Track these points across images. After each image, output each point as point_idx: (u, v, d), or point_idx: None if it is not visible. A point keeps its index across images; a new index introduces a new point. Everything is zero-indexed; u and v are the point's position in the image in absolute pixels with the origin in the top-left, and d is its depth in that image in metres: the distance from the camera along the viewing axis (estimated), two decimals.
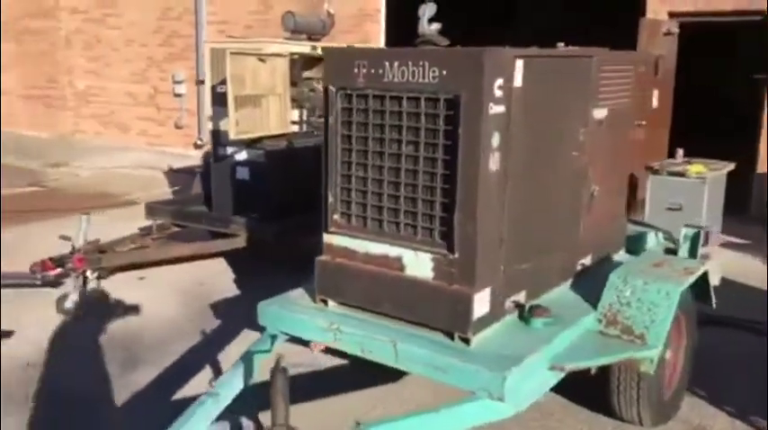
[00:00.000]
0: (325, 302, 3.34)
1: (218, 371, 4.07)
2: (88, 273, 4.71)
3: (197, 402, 3.01)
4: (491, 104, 2.82)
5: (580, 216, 3.68)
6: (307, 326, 3.26)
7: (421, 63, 2.89)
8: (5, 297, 4.77)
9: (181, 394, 3.86)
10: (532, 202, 3.24)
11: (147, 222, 5.64)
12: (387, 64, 2.97)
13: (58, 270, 4.61)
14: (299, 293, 3.48)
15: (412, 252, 3.06)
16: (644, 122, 6.70)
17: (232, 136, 5.16)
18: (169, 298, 5.15)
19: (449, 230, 2.93)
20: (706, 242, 4.15)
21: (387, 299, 3.16)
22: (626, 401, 3.47)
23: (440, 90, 2.85)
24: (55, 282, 4.79)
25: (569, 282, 3.64)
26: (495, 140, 2.88)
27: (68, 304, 4.80)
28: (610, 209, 3.97)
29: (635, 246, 4.25)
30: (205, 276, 5.62)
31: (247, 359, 3.20)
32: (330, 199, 3.25)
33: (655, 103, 7.45)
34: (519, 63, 2.94)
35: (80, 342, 4.51)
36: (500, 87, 2.85)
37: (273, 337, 3.38)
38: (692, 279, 3.46)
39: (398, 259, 3.10)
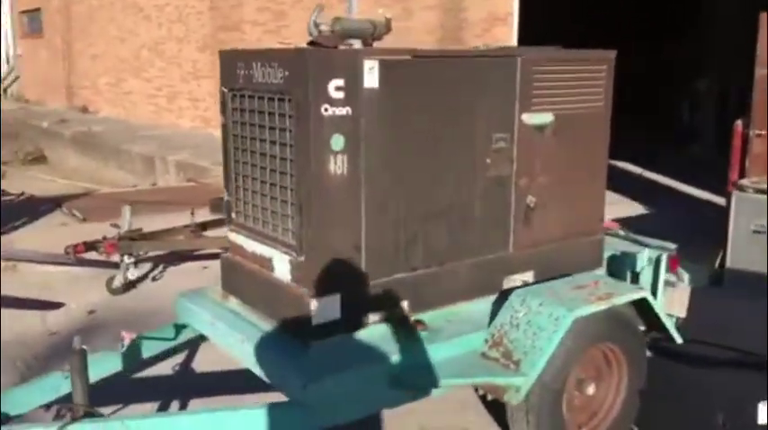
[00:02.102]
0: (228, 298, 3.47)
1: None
2: (125, 258, 5.26)
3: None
4: (326, 106, 2.75)
5: (508, 229, 3.40)
6: (198, 318, 3.41)
7: (273, 64, 2.91)
8: (63, 275, 5.50)
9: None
10: (413, 211, 3.07)
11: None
12: (254, 65, 3.02)
13: (90, 253, 5.20)
14: (216, 288, 3.62)
15: (278, 253, 3.07)
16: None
17: None
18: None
19: (298, 233, 2.91)
20: (674, 268, 3.60)
21: (260, 298, 3.21)
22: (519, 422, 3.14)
23: (284, 90, 2.85)
24: (87, 263, 5.43)
25: (492, 297, 3.37)
26: (338, 143, 2.80)
27: (116, 284, 5.40)
28: (566, 223, 3.60)
29: (617, 266, 3.79)
30: None
31: (137, 342, 3.40)
32: (226, 197, 3.37)
33: None
34: (369, 63, 2.83)
35: (110, 314, 5.04)
36: (339, 89, 2.77)
37: (182, 327, 3.56)
38: (603, 306, 3.05)
39: (270, 260, 3.13)
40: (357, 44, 3.41)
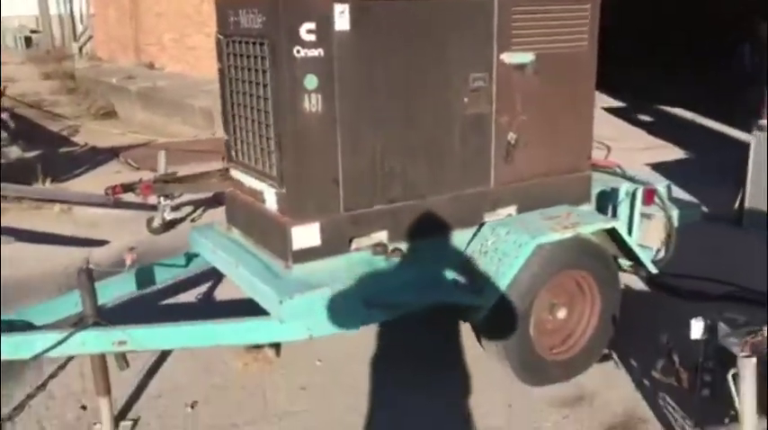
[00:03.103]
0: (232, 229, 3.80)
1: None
2: (162, 200, 5.69)
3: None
4: (298, 48, 2.98)
5: (489, 165, 3.58)
6: (204, 247, 3.76)
7: (254, 10, 3.15)
8: (109, 217, 6.00)
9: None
10: (389, 147, 3.28)
11: None
12: (240, 12, 3.28)
13: (128, 193, 5.64)
14: (224, 222, 3.96)
15: (267, 187, 3.36)
16: None
17: None
18: None
19: (279, 167, 3.19)
20: (650, 201, 3.70)
21: (255, 228, 3.52)
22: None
23: (263, 34, 3.10)
24: (127, 204, 5.89)
25: (473, 229, 3.58)
26: (311, 83, 3.04)
27: (155, 224, 5.85)
28: (550, 160, 3.75)
29: (603, 202, 3.92)
30: None
31: (149, 267, 3.78)
32: (226, 137, 3.67)
33: None
34: (339, 7, 3.03)
35: (149, 250, 5.49)
36: (311, 31, 2.99)
37: (194, 256, 3.92)
38: (568, 234, 3.22)
39: (261, 193, 3.43)
40: None
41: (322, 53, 3.04)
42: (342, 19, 3.05)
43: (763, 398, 2.29)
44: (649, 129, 10.07)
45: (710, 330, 2.56)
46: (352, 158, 3.21)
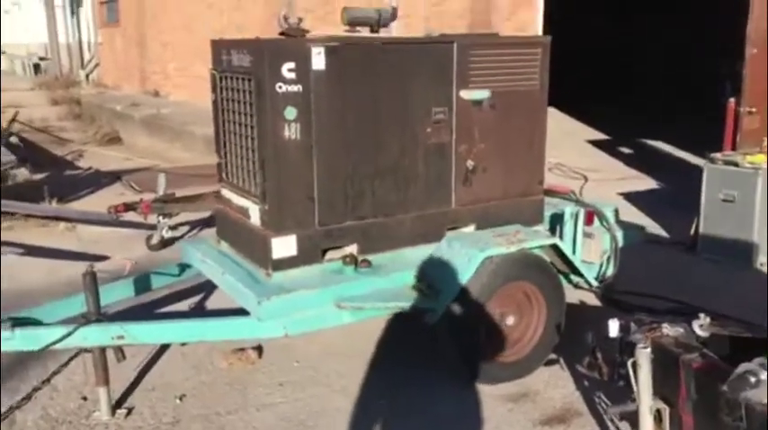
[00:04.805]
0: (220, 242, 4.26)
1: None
2: (160, 219, 6.15)
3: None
4: (280, 84, 3.47)
5: (450, 187, 4.04)
6: (195, 258, 4.21)
7: (244, 51, 3.65)
8: (111, 234, 6.46)
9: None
10: (359, 170, 3.75)
11: None
12: (232, 52, 3.77)
13: (130, 212, 6.10)
14: (213, 235, 4.41)
15: (252, 204, 3.82)
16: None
17: None
18: None
19: (261, 186, 3.66)
20: (590, 222, 4.15)
21: (241, 241, 3.98)
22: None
23: (250, 72, 3.59)
24: (128, 223, 6.35)
25: (435, 245, 4.01)
26: (291, 114, 3.52)
27: (153, 241, 6.30)
28: (506, 185, 4.21)
29: (555, 222, 4.37)
30: None
31: (146, 275, 4.23)
32: (218, 159, 4.14)
33: None
34: (316, 50, 3.52)
35: (147, 265, 5.93)
36: (291, 70, 3.48)
37: (186, 266, 4.37)
38: (513, 249, 3.68)
39: (247, 210, 3.89)
40: (364, 31, 4.12)
41: (300, 89, 3.52)
42: (318, 59, 3.55)
43: (656, 381, 2.72)
44: (627, 160, 10.55)
45: (624, 329, 2.99)
46: (327, 179, 3.68)
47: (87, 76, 23.02)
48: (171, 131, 14.55)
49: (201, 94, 19.39)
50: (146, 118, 15.71)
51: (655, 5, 17.99)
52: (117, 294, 4.09)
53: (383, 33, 4.28)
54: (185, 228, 6.88)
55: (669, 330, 2.87)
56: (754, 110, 6.73)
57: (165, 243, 6.34)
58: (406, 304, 3.62)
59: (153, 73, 20.34)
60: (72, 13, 24.23)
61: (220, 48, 3.92)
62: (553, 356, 4.06)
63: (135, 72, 21.11)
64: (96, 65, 23.45)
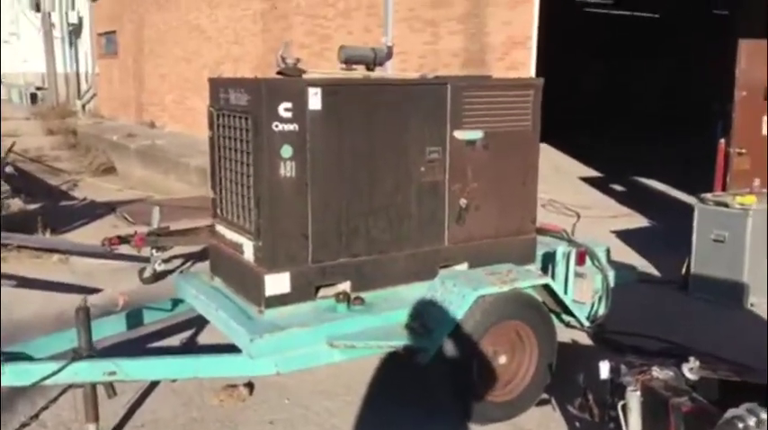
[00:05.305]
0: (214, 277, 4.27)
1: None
2: (154, 252, 6.16)
3: None
4: (276, 123, 3.52)
5: (443, 225, 4.08)
6: (188, 293, 4.22)
7: (241, 90, 3.70)
8: (105, 267, 6.44)
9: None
10: (354, 208, 3.79)
11: None
12: (230, 90, 3.83)
13: (124, 245, 6.11)
14: (207, 271, 4.42)
15: (246, 240, 3.84)
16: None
17: None
18: None
19: (256, 223, 3.68)
20: (582, 261, 4.18)
21: (234, 277, 3.99)
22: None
23: (247, 111, 3.64)
24: (121, 255, 6.34)
25: (428, 282, 4.02)
26: (287, 152, 3.57)
27: (146, 274, 6.30)
28: (499, 223, 4.24)
29: (547, 262, 4.40)
30: None
31: (138, 310, 4.23)
32: (213, 195, 4.17)
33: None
34: (313, 90, 3.58)
35: (139, 299, 5.92)
36: (288, 110, 3.53)
37: (179, 301, 4.37)
38: (505, 288, 3.70)
39: (241, 246, 3.91)
40: (360, 69, 4.20)
41: (297, 128, 3.57)
42: (315, 99, 3.60)
43: (646, 424, 2.73)
44: (620, 198, 10.64)
45: (614, 371, 3.00)
46: (321, 217, 3.71)
47: (84, 106, 23.14)
48: (166, 162, 14.60)
49: (197, 125, 19.58)
50: (141, 148, 15.78)
51: (650, 49, 18.44)
52: (109, 329, 4.08)
53: (379, 72, 4.38)
54: (179, 262, 6.88)
55: (659, 373, 2.88)
56: (743, 151, 6.84)
57: (158, 276, 6.34)
58: (398, 343, 3.62)
59: (150, 104, 20.48)
60: (70, 44, 24.44)
61: (218, 86, 3.97)
62: (545, 396, 4.05)
63: (132, 103, 21.25)
64: (93, 95, 23.58)
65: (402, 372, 4.35)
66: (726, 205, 5.73)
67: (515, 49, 10.23)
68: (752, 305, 5.68)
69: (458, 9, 10.81)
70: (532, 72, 9.98)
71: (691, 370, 2.96)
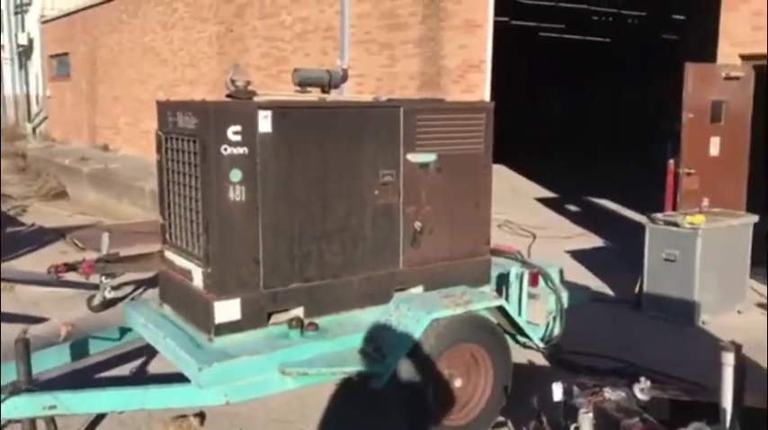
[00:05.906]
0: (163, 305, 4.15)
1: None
2: (103, 279, 6.00)
3: None
4: (225, 146, 3.45)
5: (398, 248, 4.04)
6: (137, 322, 4.10)
7: (189, 113, 3.63)
8: (52, 295, 6.26)
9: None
10: (306, 232, 3.73)
11: None
12: (178, 113, 3.75)
13: (71, 273, 5.94)
14: (156, 298, 4.31)
15: (195, 266, 3.75)
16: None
17: None
18: None
19: (205, 249, 3.60)
20: (535, 283, 4.19)
21: (184, 304, 3.89)
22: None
23: (195, 134, 3.57)
24: (69, 283, 6.16)
25: (383, 306, 3.98)
26: (236, 176, 3.50)
27: (95, 302, 6.12)
28: (453, 245, 4.22)
29: (501, 283, 4.40)
30: None
31: (84, 340, 4.09)
32: (161, 220, 4.08)
33: (714, 151, 7.13)
34: (263, 113, 3.53)
35: (87, 328, 5.74)
36: (237, 133, 3.47)
37: (127, 330, 4.25)
38: (459, 310, 3.68)
39: (190, 272, 3.81)
40: (315, 92, 4.15)
41: (246, 151, 3.51)
42: (265, 122, 3.55)
43: None
44: (574, 218, 10.77)
45: (567, 393, 2.99)
46: (272, 241, 3.64)
47: (34, 129, 22.68)
48: (119, 186, 14.34)
49: (152, 149, 19.22)
50: (94, 172, 15.49)
51: (604, 72, 18.86)
52: (52, 360, 3.93)
53: (334, 94, 4.36)
54: (130, 288, 6.71)
55: (611, 394, 2.88)
56: (692, 171, 6.97)
57: (108, 304, 6.16)
58: (351, 369, 3.56)
59: (103, 127, 20.16)
60: (20, 65, 23.95)
61: (166, 109, 3.90)
62: (501, 419, 4.02)
63: (84, 126, 20.90)
64: (44, 118, 23.14)
65: (358, 397, 4.28)
66: (676, 225, 5.82)
67: (471, 72, 10.33)
68: (703, 323, 5.76)
69: (414, 32, 10.90)
70: (487, 95, 10.10)
71: (642, 390, 2.96)
